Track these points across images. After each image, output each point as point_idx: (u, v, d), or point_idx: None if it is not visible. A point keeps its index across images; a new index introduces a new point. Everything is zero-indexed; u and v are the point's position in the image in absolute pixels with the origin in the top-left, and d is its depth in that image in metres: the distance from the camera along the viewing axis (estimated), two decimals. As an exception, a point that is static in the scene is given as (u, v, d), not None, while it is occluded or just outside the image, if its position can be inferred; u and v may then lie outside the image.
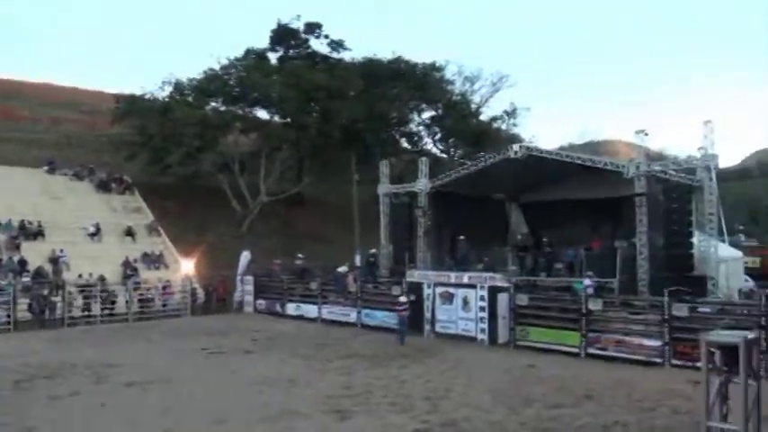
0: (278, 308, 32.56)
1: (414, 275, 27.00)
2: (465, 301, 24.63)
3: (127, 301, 30.84)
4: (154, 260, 36.15)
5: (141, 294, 32.02)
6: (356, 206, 44.05)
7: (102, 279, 31.38)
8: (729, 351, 5.35)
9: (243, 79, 44.82)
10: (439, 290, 25.48)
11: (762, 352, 16.71)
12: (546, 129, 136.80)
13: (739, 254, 32.05)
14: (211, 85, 44.43)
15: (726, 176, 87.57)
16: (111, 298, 30.76)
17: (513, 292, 23.87)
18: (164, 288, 33.09)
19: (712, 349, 5.52)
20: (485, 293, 24.04)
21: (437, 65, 56.41)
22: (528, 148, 29.53)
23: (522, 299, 23.66)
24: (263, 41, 53.18)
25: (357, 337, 25.84)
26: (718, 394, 5.45)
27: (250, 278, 34.46)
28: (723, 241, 27.27)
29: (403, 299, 25.19)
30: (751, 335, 5.41)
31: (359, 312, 28.73)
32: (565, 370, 19.23)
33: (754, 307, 19.66)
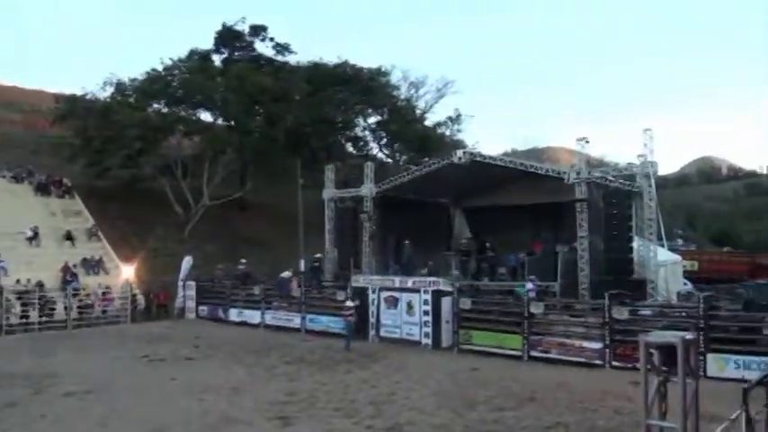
0: (220, 314, 32.11)
1: (359, 280, 26.96)
2: (409, 306, 24.71)
3: (66, 308, 29.98)
4: (94, 265, 35.24)
5: (81, 301, 31.17)
6: (301, 211, 43.77)
7: (40, 285, 30.44)
8: (668, 351, 5.49)
9: (186, 81, 44.18)
10: (384, 294, 25.50)
11: (699, 352, 17.28)
12: (489, 135, 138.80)
13: (678, 258, 32.93)
14: (154, 86, 43.69)
15: (665, 183, 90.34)
16: (49, 304, 29.87)
17: (456, 296, 24.03)
18: (103, 294, 32.29)
19: (651, 350, 5.63)
20: (429, 298, 24.16)
21: (383, 70, 56.73)
22: (471, 153, 29.85)
23: (466, 303, 23.84)
24: (207, 43, 52.75)
25: (301, 343, 25.64)
26: (657, 393, 5.58)
27: (192, 283, 33.89)
28: (662, 246, 27.96)
29: (350, 303, 25.13)
30: (689, 335, 5.54)
31: (303, 318, 28.53)
32: (508, 373, 19.42)
33: (692, 309, 20.19)
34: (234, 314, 31.45)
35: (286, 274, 31.00)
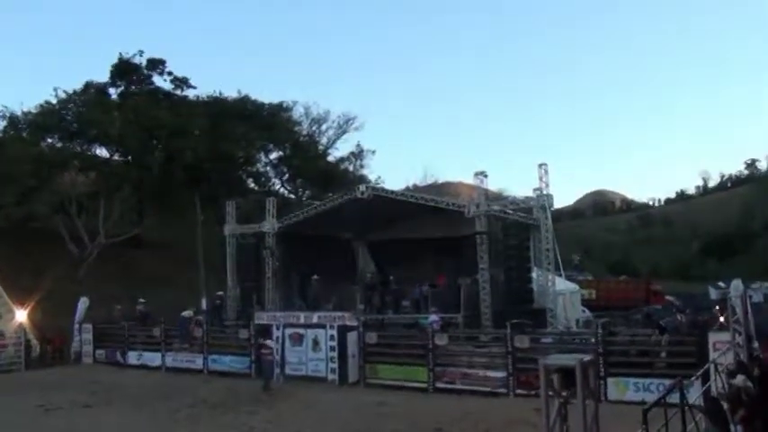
0: (119, 357, 30.67)
1: (262, 317, 26.46)
2: (315, 342, 24.38)
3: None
4: (-16, 309, 33.20)
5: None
6: (201, 247, 42.87)
7: (-72, 332, 28.47)
8: (566, 373, 5.59)
9: (81, 115, 42.89)
10: (288, 331, 25.08)
11: (598, 376, 17.79)
12: (391, 171, 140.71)
13: (576, 287, 34.01)
14: (48, 119, 42.19)
15: (561, 216, 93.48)
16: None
17: (362, 330, 23.95)
18: (-5, 340, 30.37)
19: (551, 373, 5.72)
20: (334, 333, 23.94)
21: (284, 105, 56.71)
22: (374, 188, 30.11)
23: (372, 337, 23.78)
24: (103, 75, 51.08)
25: (204, 384, 24.80)
26: (558, 415, 5.66)
27: (89, 326, 32.30)
28: (560, 275, 28.82)
29: (270, 343, 24.47)
30: (586, 357, 5.67)
31: (205, 358, 27.66)
32: (414, 405, 19.43)
33: (590, 335, 20.81)
34: (133, 357, 30.11)
35: (187, 313, 30.07)
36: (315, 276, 30.04)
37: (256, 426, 17.55)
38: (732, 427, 9.50)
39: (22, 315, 31.78)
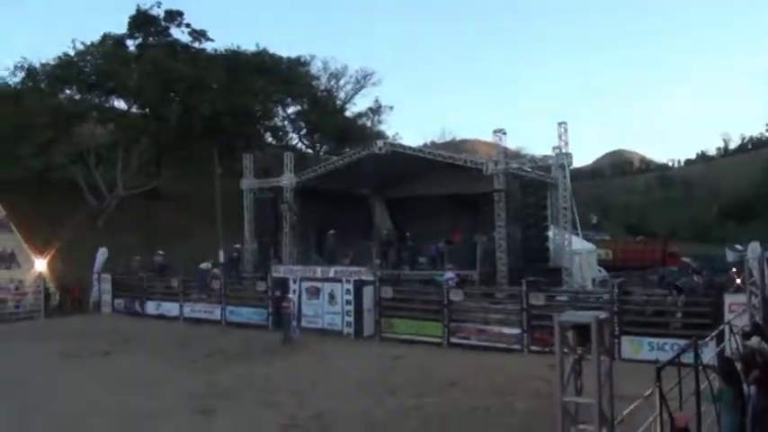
0: (137, 307, 31.20)
1: (279, 271, 26.72)
2: (331, 296, 24.65)
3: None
4: (5, 259, 33.61)
5: (-7, 296, 29.69)
6: (219, 201, 43.04)
7: (-50, 280, 29.01)
8: (582, 330, 5.62)
9: (99, 66, 42.71)
10: (305, 285, 25.34)
11: (614, 335, 17.88)
12: (409, 127, 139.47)
13: (592, 246, 33.90)
14: (66, 71, 42.05)
15: (579, 175, 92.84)
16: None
17: (377, 285, 24.13)
18: (16, 289, 30.90)
19: (565, 329, 5.76)
20: (350, 287, 24.17)
21: (302, 59, 56.24)
22: (391, 144, 30.02)
23: (387, 292, 23.97)
24: (120, 27, 50.72)
25: (222, 335, 25.20)
26: (572, 371, 5.71)
27: (107, 276, 32.80)
28: (577, 235, 28.76)
29: (291, 296, 24.78)
30: (602, 314, 5.71)
31: (223, 309, 28.08)
32: (428, 359, 19.65)
33: (606, 294, 20.85)
34: (151, 307, 30.62)
35: (204, 265, 30.41)
36: (331, 231, 30.19)
37: (273, 376, 17.81)
38: (745, 388, 9.56)
39: (41, 264, 32.23)
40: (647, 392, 7.62)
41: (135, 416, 13.95)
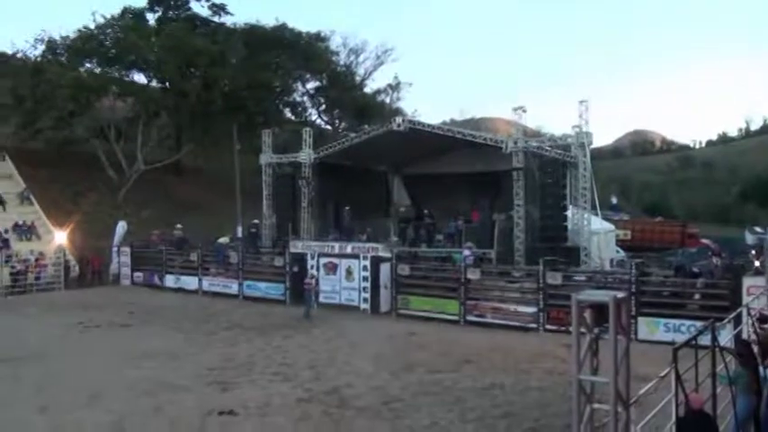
0: (156, 280, 31.59)
1: (297, 246, 26.87)
2: (348, 272, 24.81)
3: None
4: (26, 231, 34.11)
5: (13, 267, 30.12)
6: (237, 176, 43.21)
7: (-30, 251, 29.41)
8: (599, 309, 5.64)
9: (119, 40, 42.74)
10: (323, 261, 25.49)
11: (631, 315, 17.84)
12: (428, 105, 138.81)
13: (611, 227, 33.69)
14: (86, 44, 42.10)
15: (600, 155, 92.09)
16: (-20, 271, 28.81)
17: (395, 262, 24.22)
18: (37, 260, 31.30)
19: (583, 308, 5.78)
20: (368, 264, 24.29)
21: (322, 35, 56.03)
22: (410, 121, 29.86)
23: (404, 269, 24.08)
24: (141, 1, 50.75)
25: (239, 309, 25.50)
26: (589, 350, 5.73)
27: (127, 249, 33.16)
28: (596, 215, 28.58)
29: (314, 273, 24.99)
30: (620, 294, 5.71)
31: (241, 284, 28.34)
32: (445, 336, 19.80)
33: (624, 274, 20.80)
34: (170, 280, 30.99)
35: (223, 239, 30.70)
36: (346, 208, 30.27)
37: (290, 349, 18.02)
38: (762, 371, 9.55)
39: (61, 236, 32.59)
40: (664, 373, 7.63)
41: (154, 387, 14.15)
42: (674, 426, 7.79)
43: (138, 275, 32.49)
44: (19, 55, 41.67)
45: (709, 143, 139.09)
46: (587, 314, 5.71)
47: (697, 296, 19.36)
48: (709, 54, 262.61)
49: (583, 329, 5.79)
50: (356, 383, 14.39)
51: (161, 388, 14.13)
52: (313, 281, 24.44)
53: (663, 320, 18.67)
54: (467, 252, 24.74)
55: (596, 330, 5.77)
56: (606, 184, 72.01)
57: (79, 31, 42.70)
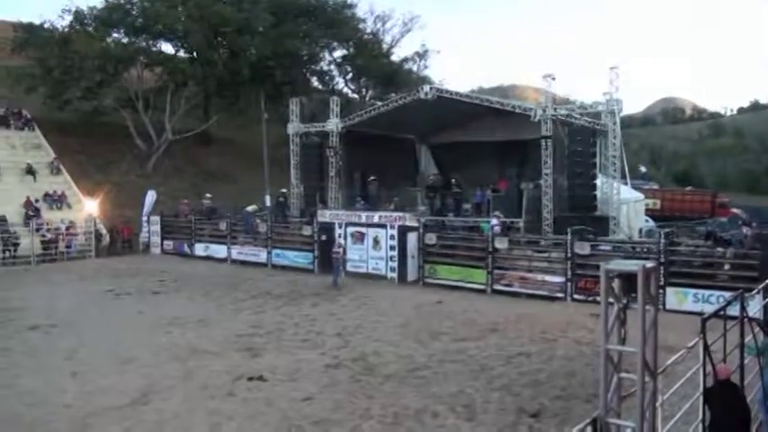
0: (186, 248, 31.99)
1: (325, 215, 26.98)
2: (376, 241, 24.90)
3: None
4: (56, 200, 34.65)
5: (44, 236, 30.66)
6: (265, 145, 43.34)
7: (2, 220, 29.94)
8: (628, 279, 5.62)
9: (146, 10, 42.78)
10: (350, 230, 25.59)
11: (659, 285, 17.73)
12: (455, 72, 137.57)
13: (640, 196, 33.32)
14: (113, 14, 42.20)
15: (630, 123, 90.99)
16: (13, 239, 29.39)
17: (422, 231, 24.24)
18: (67, 229, 31.82)
19: (611, 278, 5.76)
20: (395, 233, 24.34)
21: (348, 2, 55.53)
22: (438, 89, 29.60)
23: (431, 238, 24.09)
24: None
25: (268, 277, 25.77)
26: (617, 320, 5.73)
27: (156, 218, 33.57)
28: (625, 184, 28.26)
29: (341, 242, 25.16)
30: (649, 263, 5.68)
31: (269, 252, 28.59)
32: (471, 305, 19.85)
33: (652, 244, 20.63)
34: (200, 249, 31.37)
35: (251, 208, 30.91)
36: (371, 178, 30.28)
37: (318, 317, 18.20)
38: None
39: (91, 206, 33.04)
40: (691, 343, 7.60)
41: (184, 353, 14.42)
42: (701, 396, 7.78)
43: (168, 244, 32.93)
44: (46, 26, 41.82)
45: (741, 110, 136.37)
46: (615, 284, 5.69)
47: (726, 266, 19.13)
48: (742, 19, 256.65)
49: (611, 299, 5.78)
50: (383, 351, 14.52)
51: (191, 354, 14.40)
52: (341, 250, 24.60)
53: (692, 291, 18.52)
54: (494, 221, 24.66)
55: (624, 300, 5.76)
56: (636, 152, 71.23)
57: (106, 1, 42.81)
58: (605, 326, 5.71)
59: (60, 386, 12.27)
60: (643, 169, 60.96)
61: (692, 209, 44.54)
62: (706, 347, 7.58)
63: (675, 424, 7.79)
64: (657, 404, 6.26)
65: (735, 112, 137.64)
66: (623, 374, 5.85)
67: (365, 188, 31.00)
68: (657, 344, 5.74)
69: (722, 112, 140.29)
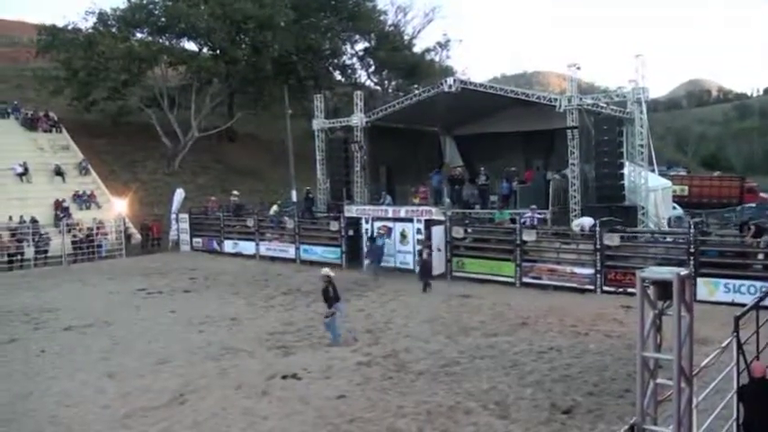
0: (215, 245, 32.29)
1: (352, 211, 27.10)
2: (403, 235, 24.97)
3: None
4: (85, 200, 35.14)
5: (74, 236, 31.07)
6: (290, 141, 43.52)
7: (34, 221, 30.43)
8: (663, 285, 5.66)
9: (168, 9, 43.04)
10: (377, 224, 25.68)
11: (692, 284, 17.63)
12: (477, 59, 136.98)
13: (668, 183, 33.00)
14: (136, 15, 42.53)
15: (655, 107, 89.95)
16: (44, 240, 29.84)
17: (448, 224, 24.25)
18: (97, 229, 32.24)
19: (647, 285, 5.81)
20: (421, 227, 24.38)
21: (368, -7, 55.48)
22: (462, 81, 29.49)
23: (458, 231, 24.08)
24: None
25: (297, 273, 25.93)
26: (653, 326, 5.78)
27: (185, 216, 33.91)
28: (653, 171, 28.03)
29: (387, 225, 25.35)
30: (683, 271, 5.70)
31: (297, 248, 28.78)
32: (500, 299, 19.83)
33: (682, 236, 20.43)
34: (229, 246, 31.64)
35: (273, 210, 31.18)
36: (385, 167, 30.37)
37: (349, 314, 18.26)
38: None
39: (120, 205, 33.45)
40: (725, 342, 7.61)
41: (218, 352, 14.66)
42: (735, 393, 7.79)
43: (198, 241, 33.27)
44: (71, 27, 42.28)
45: (767, 91, 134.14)
46: (651, 290, 5.74)
47: (761, 256, 18.90)
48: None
49: (647, 305, 5.83)
50: (414, 347, 14.63)
51: (224, 352, 14.63)
52: (384, 229, 24.87)
53: (722, 281, 18.30)
54: (529, 214, 24.46)
55: (660, 306, 5.80)
56: (662, 136, 70.42)
57: (129, 1, 43.16)
58: (642, 332, 5.76)
59: (97, 387, 12.54)
60: (668, 161, 60.37)
61: (720, 194, 44.12)
62: (739, 346, 7.59)
63: (710, 424, 7.80)
64: (693, 406, 6.30)
65: (761, 92, 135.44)
66: (659, 380, 5.90)
67: (390, 182, 31.07)
68: (693, 348, 5.78)
69: (748, 93, 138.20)
